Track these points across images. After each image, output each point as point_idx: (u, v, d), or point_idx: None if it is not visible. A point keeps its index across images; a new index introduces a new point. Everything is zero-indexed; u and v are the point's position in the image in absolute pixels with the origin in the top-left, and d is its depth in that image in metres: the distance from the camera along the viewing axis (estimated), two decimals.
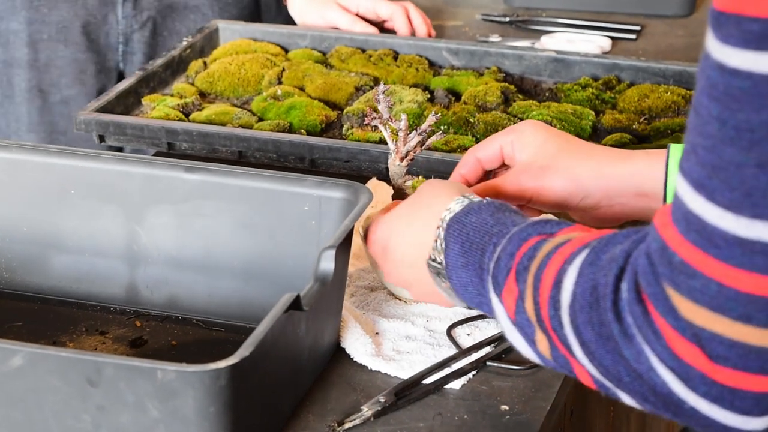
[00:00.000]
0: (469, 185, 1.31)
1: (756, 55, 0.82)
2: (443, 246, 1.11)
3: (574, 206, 1.26)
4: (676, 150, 1.22)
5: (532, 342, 1.01)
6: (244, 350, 1.03)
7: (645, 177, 1.24)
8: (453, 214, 1.11)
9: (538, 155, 1.26)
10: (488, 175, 1.32)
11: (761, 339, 0.86)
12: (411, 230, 1.17)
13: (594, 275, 0.93)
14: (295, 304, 1.09)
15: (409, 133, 1.31)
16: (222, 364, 1.01)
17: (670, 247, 0.88)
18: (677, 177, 0.88)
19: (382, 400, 1.18)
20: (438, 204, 1.14)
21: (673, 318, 0.88)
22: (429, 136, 1.33)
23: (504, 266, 1.02)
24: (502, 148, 1.29)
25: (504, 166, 1.31)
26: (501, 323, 1.04)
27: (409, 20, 1.98)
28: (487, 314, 1.10)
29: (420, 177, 1.44)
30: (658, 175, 1.23)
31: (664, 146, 1.24)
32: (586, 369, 0.96)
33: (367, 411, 1.17)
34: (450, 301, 1.15)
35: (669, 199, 1.22)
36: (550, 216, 1.10)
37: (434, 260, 1.12)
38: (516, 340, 1.03)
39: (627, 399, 0.95)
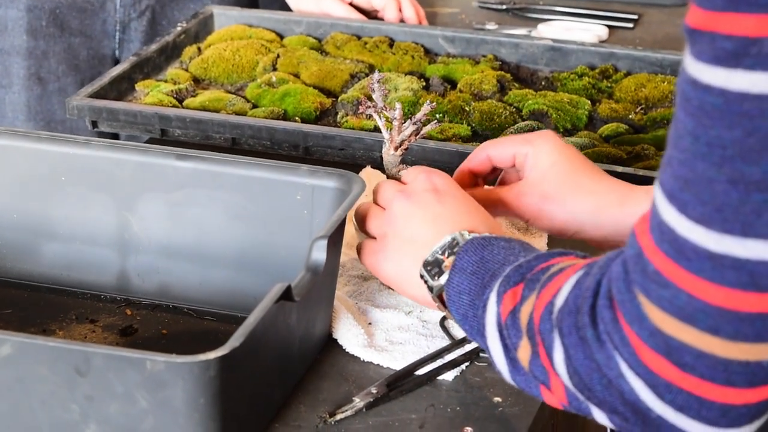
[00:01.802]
0: (475, 179, 1.32)
1: (728, 73, 0.82)
2: (457, 249, 1.11)
3: (570, 236, 1.28)
4: None
5: (512, 349, 1.02)
6: (234, 341, 1.02)
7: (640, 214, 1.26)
8: (482, 234, 1.12)
9: (544, 179, 1.26)
10: (495, 170, 1.33)
11: (727, 351, 0.86)
12: (440, 208, 1.17)
13: (585, 283, 0.95)
14: (286, 295, 1.09)
15: (404, 122, 1.30)
16: (212, 354, 1.00)
17: (645, 255, 0.88)
18: (654, 186, 0.89)
19: (374, 391, 1.17)
20: (472, 222, 1.15)
21: (639, 326, 0.88)
22: (424, 125, 1.31)
23: (520, 273, 1.03)
24: (516, 156, 1.29)
25: (513, 168, 1.31)
26: (486, 327, 1.05)
27: (401, 11, 1.97)
28: (460, 326, 1.10)
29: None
30: None
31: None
32: (562, 380, 0.96)
33: (359, 402, 1.16)
34: (411, 291, 1.16)
35: None
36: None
37: (442, 253, 1.12)
38: (493, 345, 1.04)
39: (598, 414, 0.95)
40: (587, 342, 0.92)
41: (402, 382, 1.19)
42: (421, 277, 1.14)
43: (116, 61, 2.02)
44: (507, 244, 1.10)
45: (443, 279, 1.11)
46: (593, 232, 1.26)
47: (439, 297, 1.12)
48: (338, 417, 1.15)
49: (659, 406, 0.89)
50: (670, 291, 0.87)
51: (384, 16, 1.97)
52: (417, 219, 1.17)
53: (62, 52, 1.96)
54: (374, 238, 1.22)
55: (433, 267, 1.13)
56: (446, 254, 1.12)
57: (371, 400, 1.17)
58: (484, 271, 1.08)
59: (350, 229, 1.31)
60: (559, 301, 0.96)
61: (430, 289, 1.13)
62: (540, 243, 1.43)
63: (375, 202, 1.23)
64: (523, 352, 1.00)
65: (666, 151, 0.88)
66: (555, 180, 1.26)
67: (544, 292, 0.99)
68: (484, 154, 1.31)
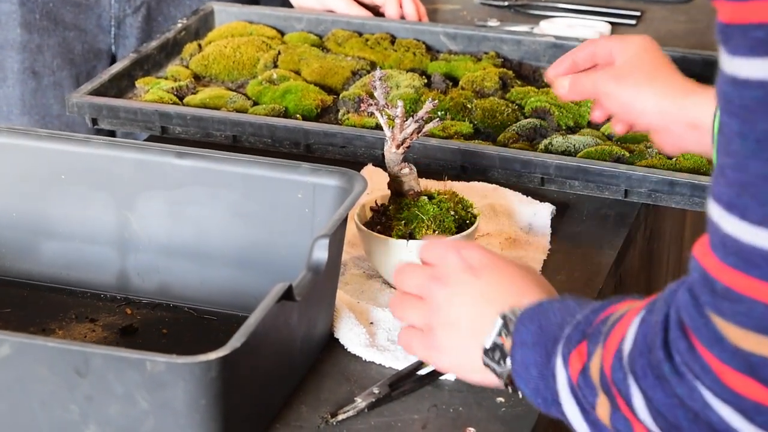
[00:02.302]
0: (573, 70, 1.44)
1: (765, 62, 0.80)
2: (513, 327, 1.06)
3: (634, 118, 1.39)
4: None
5: (590, 409, 0.98)
6: (235, 341, 1.01)
7: (700, 109, 1.34)
8: (533, 303, 1.07)
9: (626, 64, 1.40)
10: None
11: None
12: (481, 285, 1.12)
13: (651, 320, 0.92)
14: (287, 295, 1.08)
15: (406, 120, 1.29)
16: (212, 355, 0.99)
17: (711, 275, 0.86)
18: (709, 203, 0.86)
19: (377, 392, 1.16)
20: (517, 288, 1.11)
21: (719, 349, 0.85)
22: (426, 123, 1.31)
23: (581, 330, 1.00)
24: (612, 49, 1.42)
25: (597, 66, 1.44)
26: (560, 393, 1.01)
27: (401, 7, 1.96)
28: (533, 403, 1.05)
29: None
30: (711, 110, 1.31)
31: None
32: (647, 427, 0.92)
33: (361, 402, 1.15)
34: (475, 377, 1.11)
35: (716, 132, 1.23)
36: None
37: (498, 335, 1.07)
38: (570, 410, 1.00)
39: None
40: (665, 378, 0.89)
41: (404, 382, 1.18)
42: (486, 365, 1.08)
43: (112, 57, 2.01)
44: (561, 305, 1.05)
45: (509, 362, 1.06)
46: (655, 115, 1.36)
47: (509, 381, 1.07)
48: (340, 417, 1.14)
49: (752, 431, 0.86)
50: (745, 305, 0.84)
51: (385, 12, 1.96)
52: (460, 303, 1.11)
53: (57, 46, 1.95)
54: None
55: (495, 353, 1.08)
56: (504, 336, 1.07)
57: (373, 400, 1.16)
58: (546, 338, 1.03)
59: (352, 228, 1.31)
60: (627, 346, 0.93)
61: (499, 375, 1.08)
62: (539, 256, 1.42)
63: (401, 288, 1.16)
64: (602, 409, 0.96)
65: (716, 163, 0.86)
66: (635, 65, 1.39)
67: (609, 342, 0.95)
68: (589, 49, 1.44)
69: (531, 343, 1.04)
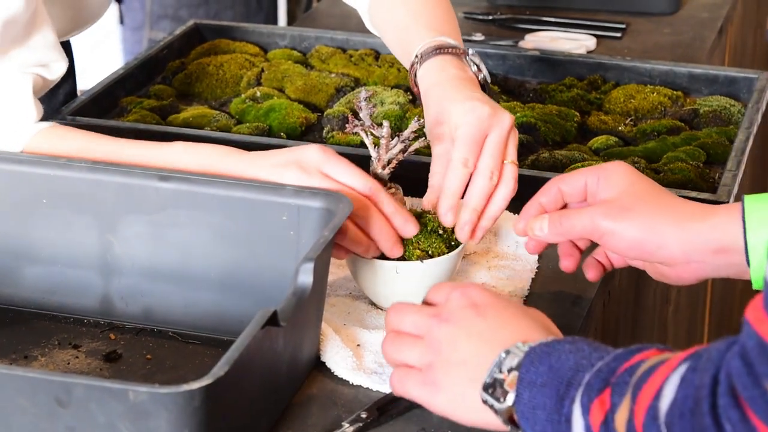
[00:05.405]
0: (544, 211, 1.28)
1: None
2: (519, 362, 1.03)
3: (648, 254, 1.22)
4: (751, 201, 1.18)
5: None
6: (219, 370, 0.99)
7: (724, 231, 1.19)
8: (540, 341, 1.04)
9: (621, 195, 1.22)
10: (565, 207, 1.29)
11: None
12: (484, 323, 1.08)
13: (695, 380, 0.88)
14: (272, 320, 1.06)
15: (391, 140, 1.28)
16: (195, 384, 0.98)
17: None
18: (767, 266, 0.83)
19: (364, 416, 1.15)
20: (522, 328, 1.07)
21: None
22: (411, 143, 1.29)
23: (603, 378, 0.96)
24: (587, 184, 1.25)
25: (584, 202, 1.27)
26: None
27: None
28: None
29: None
30: (738, 228, 1.18)
31: (739, 200, 1.21)
32: None
33: (348, 427, 1.14)
34: (471, 416, 1.07)
35: (750, 253, 1.17)
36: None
37: (499, 370, 1.04)
38: None
39: None
40: None
41: (392, 406, 1.17)
42: (485, 402, 1.05)
43: None
44: (573, 347, 1.02)
45: (510, 399, 1.02)
46: (675, 247, 1.20)
47: (509, 418, 1.04)
48: None
49: None
50: None
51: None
52: (463, 340, 1.07)
53: None
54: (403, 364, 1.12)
55: (494, 389, 1.04)
56: (505, 372, 1.03)
57: (361, 424, 1.14)
58: (557, 380, 1.00)
59: None
60: (665, 404, 0.89)
61: (498, 412, 1.04)
62: (527, 274, 1.40)
63: (395, 328, 1.12)
64: None
65: None
66: (634, 195, 1.22)
67: (641, 396, 0.91)
68: (555, 188, 1.28)
69: (540, 383, 1.00)
